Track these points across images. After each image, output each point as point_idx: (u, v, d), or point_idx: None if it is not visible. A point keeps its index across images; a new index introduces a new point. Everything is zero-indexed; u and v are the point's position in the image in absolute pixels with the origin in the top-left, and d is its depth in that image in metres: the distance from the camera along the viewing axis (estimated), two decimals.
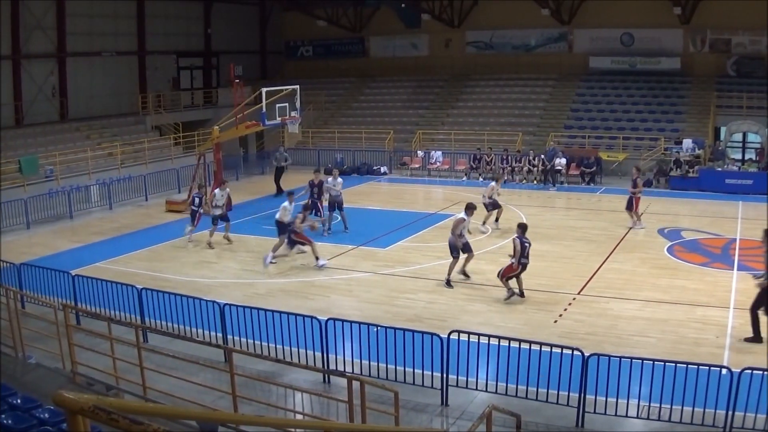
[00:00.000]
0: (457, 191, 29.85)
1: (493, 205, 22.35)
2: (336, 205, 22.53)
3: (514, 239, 15.80)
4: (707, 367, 9.87)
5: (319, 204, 22.20)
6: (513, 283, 15.78)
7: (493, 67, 42.11)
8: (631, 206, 22.44)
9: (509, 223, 21.90)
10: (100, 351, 11.10)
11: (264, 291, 16.85)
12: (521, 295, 15.76)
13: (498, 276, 15.90)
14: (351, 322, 12.12)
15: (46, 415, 6.74)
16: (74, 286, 14.57)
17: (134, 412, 2.78)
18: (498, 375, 10.89)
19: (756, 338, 12.96)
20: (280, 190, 28.80)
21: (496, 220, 22.60)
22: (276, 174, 30.08)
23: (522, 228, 16.00)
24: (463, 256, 17.05)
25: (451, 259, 17.03)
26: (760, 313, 12.98)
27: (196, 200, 21.92)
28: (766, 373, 9.51)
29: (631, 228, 22.14)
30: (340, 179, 22.96)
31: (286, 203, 19.88)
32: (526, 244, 15.69)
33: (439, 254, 19.68)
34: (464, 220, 17.02)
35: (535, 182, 31.56)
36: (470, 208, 17.28)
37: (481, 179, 30.86)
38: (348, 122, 41.13)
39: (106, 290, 14.09)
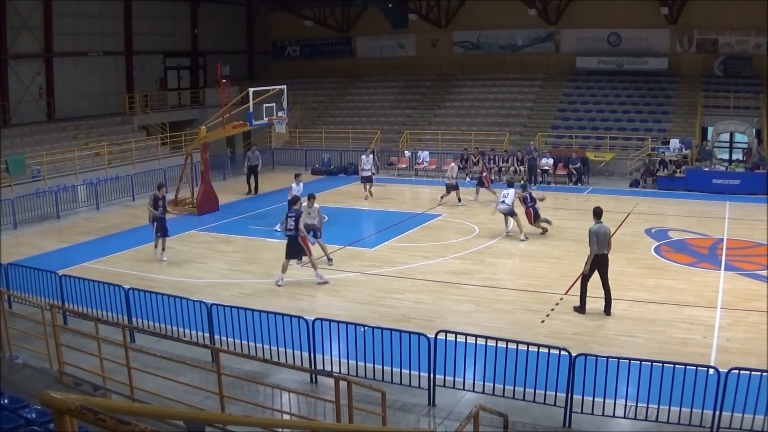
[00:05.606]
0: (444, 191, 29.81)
1: (453, 187, 25.98)
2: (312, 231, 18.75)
3: None
4: (694, 367, 9.86)
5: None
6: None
7: (480, 67, 42.19)
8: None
9: (493, 223, 21.96)
10: (87, 351, 11.05)
11: (251, 291, 16.81)
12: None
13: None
14: (338, 322, 12.08)
15: (33, 415, 6.70)
16: (61, 286, 14.50)
17: (121, 412, 2.77)
18: (485, 375, 10.90)
19: None
20: (252, 190, 30.39)
21: (443, 197, 26.48)
22: (248, 173, 30.47)
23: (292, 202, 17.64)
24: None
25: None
26: None
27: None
28: (754, 373, 9.58)
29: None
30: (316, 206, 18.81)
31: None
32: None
33: (426, 254, 19.72)
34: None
35: (521, 182, 31.51)
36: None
37: (468, 179, 30.80)
38: (335, 122, 41.13)
39: (93, 290, 14.04)
